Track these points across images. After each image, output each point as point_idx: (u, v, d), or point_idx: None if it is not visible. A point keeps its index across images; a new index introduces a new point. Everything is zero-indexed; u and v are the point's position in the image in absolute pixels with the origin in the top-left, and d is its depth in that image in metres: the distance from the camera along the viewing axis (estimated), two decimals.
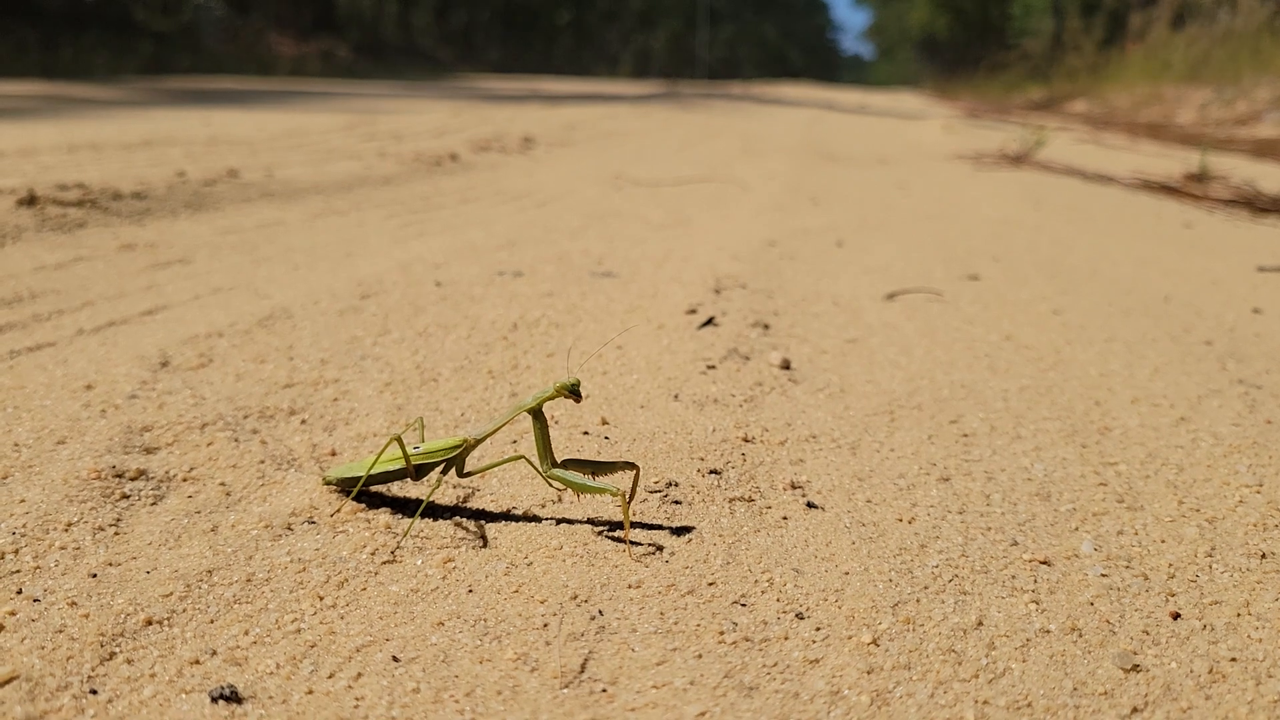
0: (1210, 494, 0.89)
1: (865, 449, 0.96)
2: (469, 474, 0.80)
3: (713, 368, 1.18)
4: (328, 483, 0.81)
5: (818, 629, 0.64)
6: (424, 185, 2.77)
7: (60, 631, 0.61)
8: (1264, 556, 0.77)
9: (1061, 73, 14.86)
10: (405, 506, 0.81)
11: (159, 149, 2.98)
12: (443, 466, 0.78)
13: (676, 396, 1.08)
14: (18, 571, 0.67)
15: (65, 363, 1.08)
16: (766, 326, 1.39)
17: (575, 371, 1.15)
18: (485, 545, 0.75)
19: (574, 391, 0.76)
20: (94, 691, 0.56)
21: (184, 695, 0.56)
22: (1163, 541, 0.79)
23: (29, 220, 1.80)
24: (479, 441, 0.79)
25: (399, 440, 0.76)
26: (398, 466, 0.78)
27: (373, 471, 0.78)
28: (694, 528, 0.78)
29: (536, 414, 0.77)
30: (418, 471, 0.78)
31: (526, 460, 0.80)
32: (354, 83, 10.48)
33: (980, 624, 0.66)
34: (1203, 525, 0.82)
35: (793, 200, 2.86)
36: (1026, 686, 0.59)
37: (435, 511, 0.80)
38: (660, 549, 0.74)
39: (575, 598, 0.67)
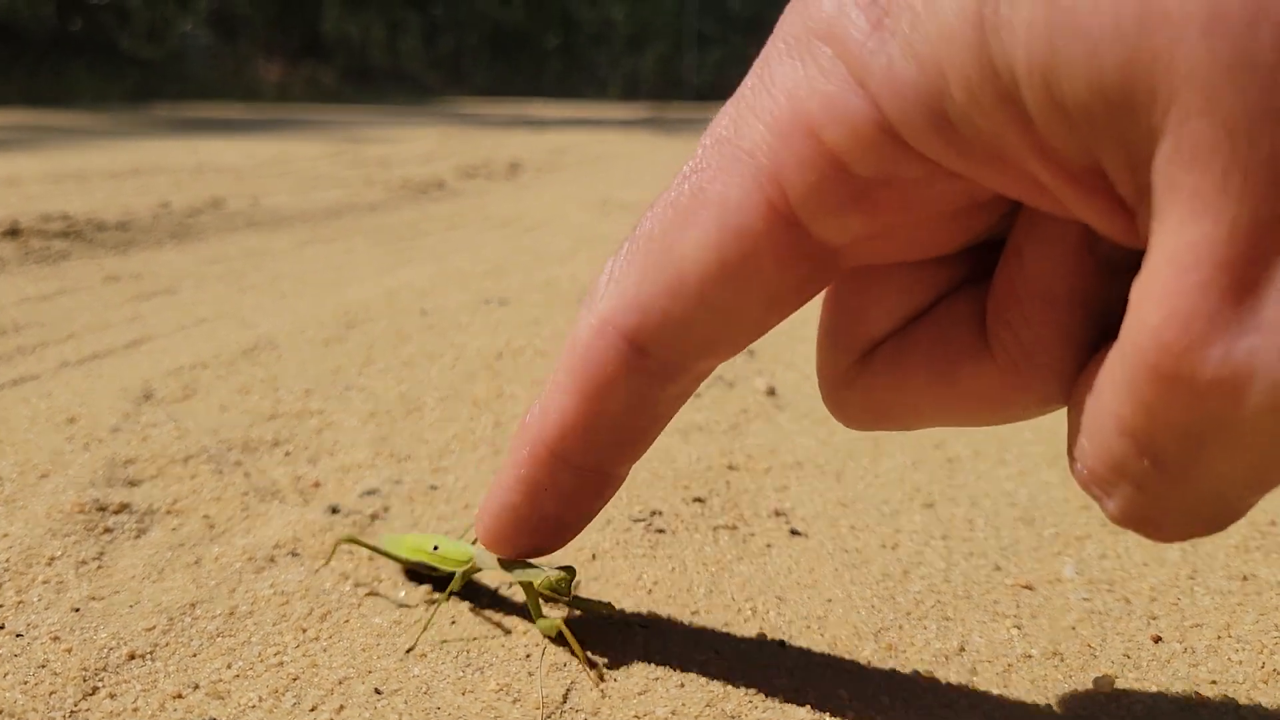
0: None
1: (849, 475, 0.97)
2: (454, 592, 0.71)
3: (697, 395, 1.18)
4: (350, 542, 0.74)
5: (800, 655, 0.64)
6: (411, 212, 2.78)
7: (43, 666, 0.61)
8: (1245, 579, 0.77)
9: None
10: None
11: (144, 178, 2.98)
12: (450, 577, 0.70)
13: None
14: (0, 606, 0.67)
15: (49, 396, 1.08)
16: (751, 352, 1.39)
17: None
18: None
19: (559, 592, 0.62)
20: None
21: None
22: (1145, 565, 0.79)
23: (12, 252, 1.80)
24: (478, 570, 0.68)
25: (431, 542, 0.70)
26: (415, 559, 0.71)
27: (391, 551, 0.72)
28: (677, 557, 0.78)
29: (527, 587, 0.64)
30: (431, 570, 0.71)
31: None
32: (341, 108, 10.50)
33: (962, 649, 0.66)
34: (1185, 548, 0.83)
35: None
36: (1007, 711, 0.59)
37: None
38: (643, 579, 0.74)
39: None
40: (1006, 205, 0.38)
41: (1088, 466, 0.35)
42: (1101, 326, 0.37)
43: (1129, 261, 0.34)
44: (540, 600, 0.65)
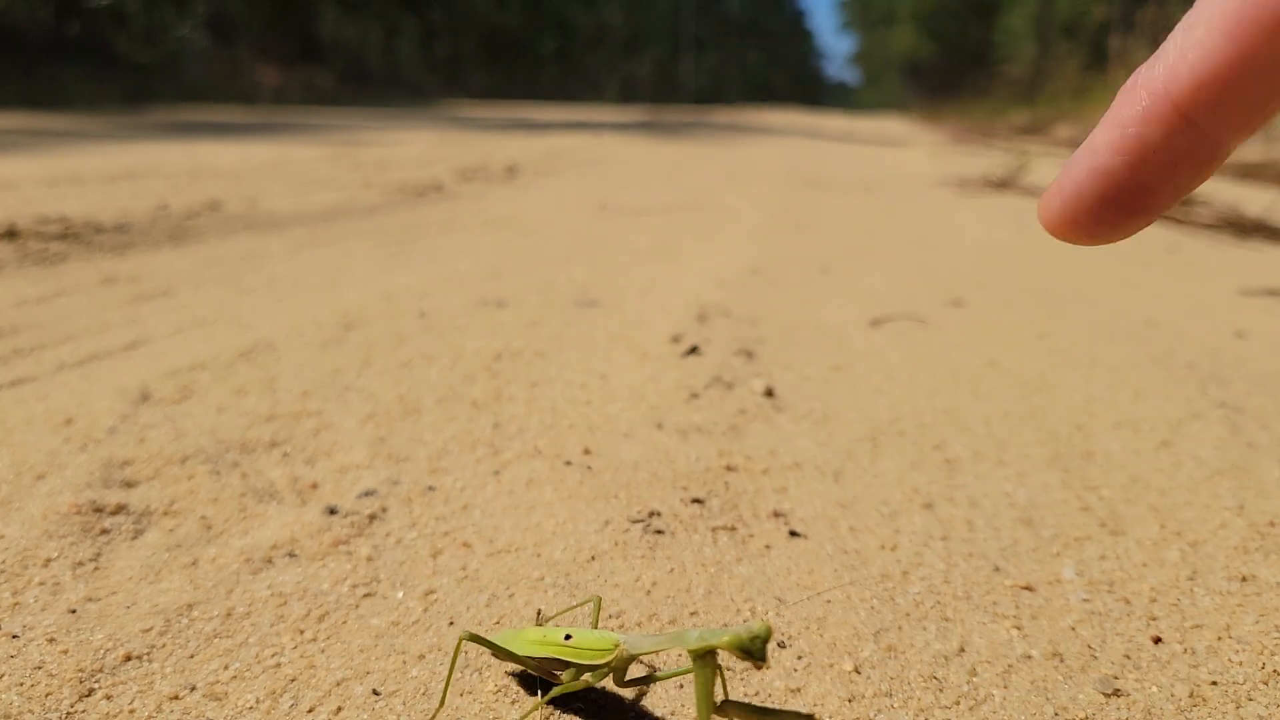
0: (1192, 517, 0.89)
1: (849, 476, 0.97)
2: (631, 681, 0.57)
3: (696, 396, 1.18)
4: (474, 640, 0.57)
5: (799, 657, 0.64)
6: (409, 215, 2.78)
7: (39, 668, 0.60)
8: (1245, 579, 0.77)
9: (1045, 97, 14.96)
10: None
11: (141, 181, 2.98)
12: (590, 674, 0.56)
13: (660, 425, 1.08)
14: None
15: (46, 397, 1.07)
16: (750, 354, 1.39)
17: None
18: (467, 577, 0.75)
19: (752, 653, 0.48)
20: None
21: None
22: (1145, 565, 0.79)
23: (10, 254, 1.80)
24: (633, 657, 0.54)
25: (561, 633, 0.57)
26: (543, 654, 0.57)
27: (512, 649, 0.58)
28: (676, 558, 0.78)
29: (702, 658, 0.50)
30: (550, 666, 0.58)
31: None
32: (338, 112, 10.50)
33: (962, 650, 0.66)
34: (1184, 549, 0.82)
35: (778, 227, 2.87)
36: (1008, 712, 0.59)
37: (414, 544, 0.80)
38: (641, 580, 0.74)
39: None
40: None
41: None
42: None
43: None
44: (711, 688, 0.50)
